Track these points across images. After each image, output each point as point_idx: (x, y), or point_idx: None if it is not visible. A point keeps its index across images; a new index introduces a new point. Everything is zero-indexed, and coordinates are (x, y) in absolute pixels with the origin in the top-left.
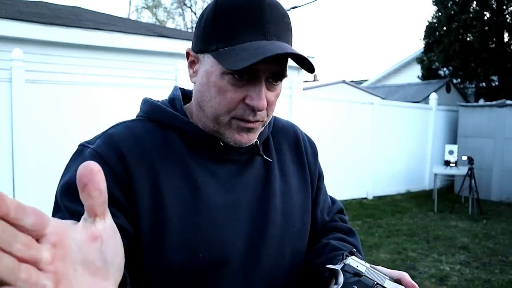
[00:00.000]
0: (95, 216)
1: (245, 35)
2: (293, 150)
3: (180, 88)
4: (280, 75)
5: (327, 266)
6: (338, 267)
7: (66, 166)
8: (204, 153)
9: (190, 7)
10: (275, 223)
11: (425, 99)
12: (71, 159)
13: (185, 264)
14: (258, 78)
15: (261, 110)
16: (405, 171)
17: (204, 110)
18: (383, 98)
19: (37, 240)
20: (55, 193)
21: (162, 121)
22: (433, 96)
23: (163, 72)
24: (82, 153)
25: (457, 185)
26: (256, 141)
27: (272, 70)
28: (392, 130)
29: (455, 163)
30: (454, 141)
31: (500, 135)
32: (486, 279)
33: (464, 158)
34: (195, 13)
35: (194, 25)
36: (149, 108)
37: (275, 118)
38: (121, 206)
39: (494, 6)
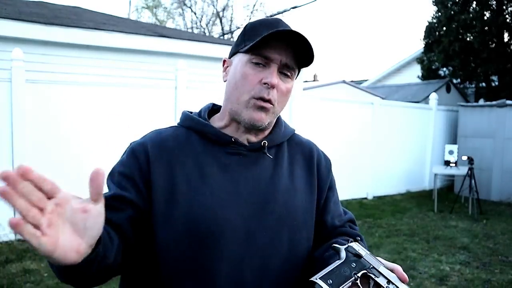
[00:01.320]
0: (92, 200)
1: (263, 32)
2: (306, 159)
3: (214, 104)
4: (288, 66)
5: (333, 245)
6: (342, 247)
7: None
8: (219, 149)
9: (190, 7)
10: (274, 212)
11: (425, 99)
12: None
13: (188, 234)
14: (271, 66)
15: (273, 87)
16: (405, 171)
17: (230, 98)
18: (383, 98)
19: (48, 199)
20: None
21: (189, 126)
22: (433, 96)
23: (163, 72)
24: (128, 148)
25: (457, 185)
26: (264, 142)
27: (284, 61)
28: (392, 130)
29: (455, 163)
30: (454, 141)
31: (500, 135)
32: (486, 279)
33: (464, 158)
34: (195, 13)
35: (194, 25)
36: (182, 117)
37: (296, 135)
38: (136, 186)
39: (494, 6)
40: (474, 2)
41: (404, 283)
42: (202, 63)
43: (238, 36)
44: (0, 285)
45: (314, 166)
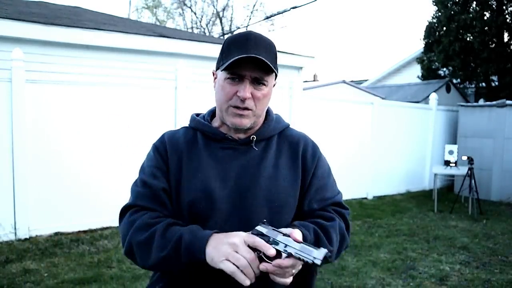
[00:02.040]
0: None
1: (234, 53)
2: (292, 150)
3: None
4: (259, 79)
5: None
6: (250, 232)
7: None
8: (216, 144)
9: (190, 7)
10: (257, 195)
11: (425, 99)
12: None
13: (188, 211)
14: (244, 80)
15: (245, 99)
16: (405, 171)
17: (217, 105)
18: (383, 98)
19: None
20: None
21: (195, 126)
22: (433, 96)
23: (163, 72)
24: (152, 146)
25: (457, 185)
26: (253, 136)
27: (253, 75)
28: (392, 130)
29: (455, 163)
30: (454, 141)
31: (500, 135)
32: (486, 279)
33: (464, 158)
34: (195, 13)
35: (194, 25)
36: (190, 119)
37: (289, 129)
38: (164, 173)
39: (494, 6)
40: (474, 2)
41: (298, 243)
42: (202, 63)
43: (220, 52)
44: (0, 285)
45: (299, 155)
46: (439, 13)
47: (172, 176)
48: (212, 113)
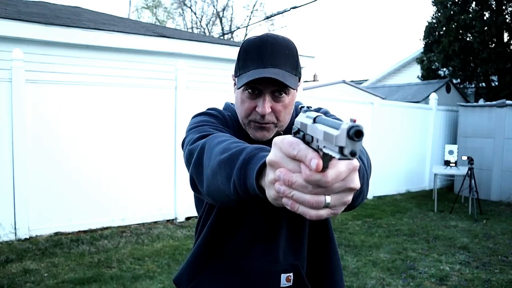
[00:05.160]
0: None
1: (251, 65)
2: None
3: None
4: (280, 91)
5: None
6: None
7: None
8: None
9: (190, 7)
10: None
11: (425, 99)
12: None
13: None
14: (263, 94)
15: (264, 115)
16: (405, 171)
17: (239, 116)
18: (383, 98)
19: None
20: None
21: (229, 115)
22: (433, 96)
23: (163, 72)
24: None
25: (457, 185)
26: (281, 133)
27: (272, 87)
28: (392, 130)
29: (455, 163)
30: (454, 141)
31: (500, 135)
32: (486, 279)
33: (464, 158)
34: (195, 13)
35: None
36: (224, 107)
37: None
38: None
39: (493, 6)
40: (474, 2)
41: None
42: (202, 63)
43: (237, 56)
44: (0, 285)
45: None
46: (439, 13)
47: None
48: None
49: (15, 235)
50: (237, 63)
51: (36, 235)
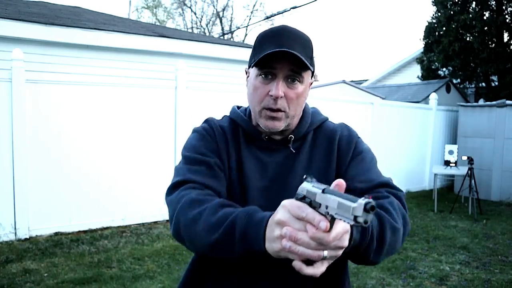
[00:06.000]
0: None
1: (268, 49)
2: (328, 141)
3: None
4: (295, 73)
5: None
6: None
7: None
8: (254, 142)
9: (190, 7)
10: (292, 193)
11: (425, 99)
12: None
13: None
14: (276, 77)
15: (277, 98)
16: (405, 171)
17: (250, 106)
18: (383, 98)
19: None
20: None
21: (234, 119)
22: (433, 96)
23: (163, 72)
24: (200, 126)
25: (457, 185)
26: (291, 136)
27: (287, 69)
28: (392, 130)
29: (455, 163)
30: (454, 141)
31: (500, 135)
32: (486, 279)
33: (464, 158)
34: (195, 13)
35: (194, 25)
36: (231, 111)
37: (327, 123)
38: (216, 153)
39: (493, 6)
40: (474, 2)
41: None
42: (202, 63)
43: (252, 48)
44: (0, 285)
45: (335, 144)
46: (439, 13)
47: (225, 163)
48: None
49: (15, 235)
50: (252, 53)
51: (36, 235)
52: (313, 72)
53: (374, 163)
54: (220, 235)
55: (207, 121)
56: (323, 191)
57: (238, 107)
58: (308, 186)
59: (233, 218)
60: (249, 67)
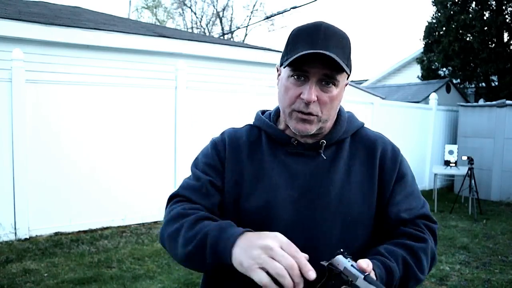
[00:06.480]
0: None
1: (300, 48)
2: (368, 154)
3: None
4: (329, 77)
5: (320, 262)
6: (325, 263)
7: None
8: (281, 148)
9: (190, 7)
10: (327, 206)
11: (425, 99)
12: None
13: (246, 224)
14: (309, 80)
15: (310, 102)
16: None
17: (280, 107)
18: (383, 98)
19: None
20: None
21: (259, 126)
22: (433, 96)
23: (163, 72)
24: (210, 141)
25: (457, 185)
26: (323, 141)
27: (321, 73)
28: (392, 130)
29: (455, 163)
30: (454, 141)
31: (500, 135)
32: (486, 279)
33: (464, 158)
34: (195, 13)
35: (194, 25)
36: (255, 117)
37: (364, 129)
38: (218, 172)
39: (493, 6)
40: (474, 2)
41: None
42: (202, 63)
43: (286, 43)
44: (0, 285)
45: (377, 159)
46: (439, 13)
47: (230, 177)
48: (279, 111)
49: (15, 235)
50: (284, 49)
51: (36, 235)
52: (349, 75)
53: (415, 185)
54: (193, 247)
55: (222, 133)
56: (365, 278)
57: (263, 112)
58: (346, 263)
59: (206, 231)
60: (280, 65)
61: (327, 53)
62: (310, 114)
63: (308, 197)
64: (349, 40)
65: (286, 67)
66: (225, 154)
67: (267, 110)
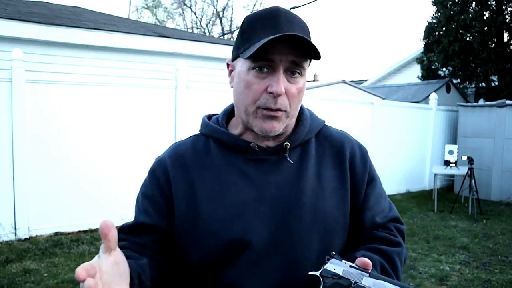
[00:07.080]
0: (110, 251)
1: (261, 34)
2: (336, 155)
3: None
4: (296, 65)
5: (309, 273)
6: (317, 273)
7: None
8: (238, 156)
9: (190, 7)
10: (301, 219)
11: (425, 99)
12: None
13: (211, 250)
14: (276, 69)
15: (280, 95)
16: (405, 171)
17: (238, 107)
18: (383, 98)
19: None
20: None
21: (207, 133)
22: (433, 96)
23: (163, 72)
24: (150, 168)
25: (457, 185)
26: (286, 143)
27: (289, 60)
28: (392, 130)
29: (455, 163)
30: (454, 141)
31: (500, 135)
32: (486, 279)
33: (464, 158)
34: (195, 13)
35: (194, 25)
36: (201, 124)
37: (326, 127)
38: (159, 208)
39: (493, 6)
40: (474, 2)
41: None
42: (202, 63)
43: (237, 35)
44: (0, 285)
45: (346, 161)
46: (439, 13)
47: (181, 208)
48: (228, 114)
49: (15, 235)
50: (239, 40)
51: (36, 235)
52: (317, 59)
53: (382, 186)
54: None
55: (163, 152)
56: (371, 275)
57: (209, 117)
58: (344, 265)
59: None
60: (233, 59)
61: (298, 34)
62: (278, 110)
63: (280, 211)
64: (308, 28)
65: (246, 60)
66: (168, 179)
67: (215, 114)
